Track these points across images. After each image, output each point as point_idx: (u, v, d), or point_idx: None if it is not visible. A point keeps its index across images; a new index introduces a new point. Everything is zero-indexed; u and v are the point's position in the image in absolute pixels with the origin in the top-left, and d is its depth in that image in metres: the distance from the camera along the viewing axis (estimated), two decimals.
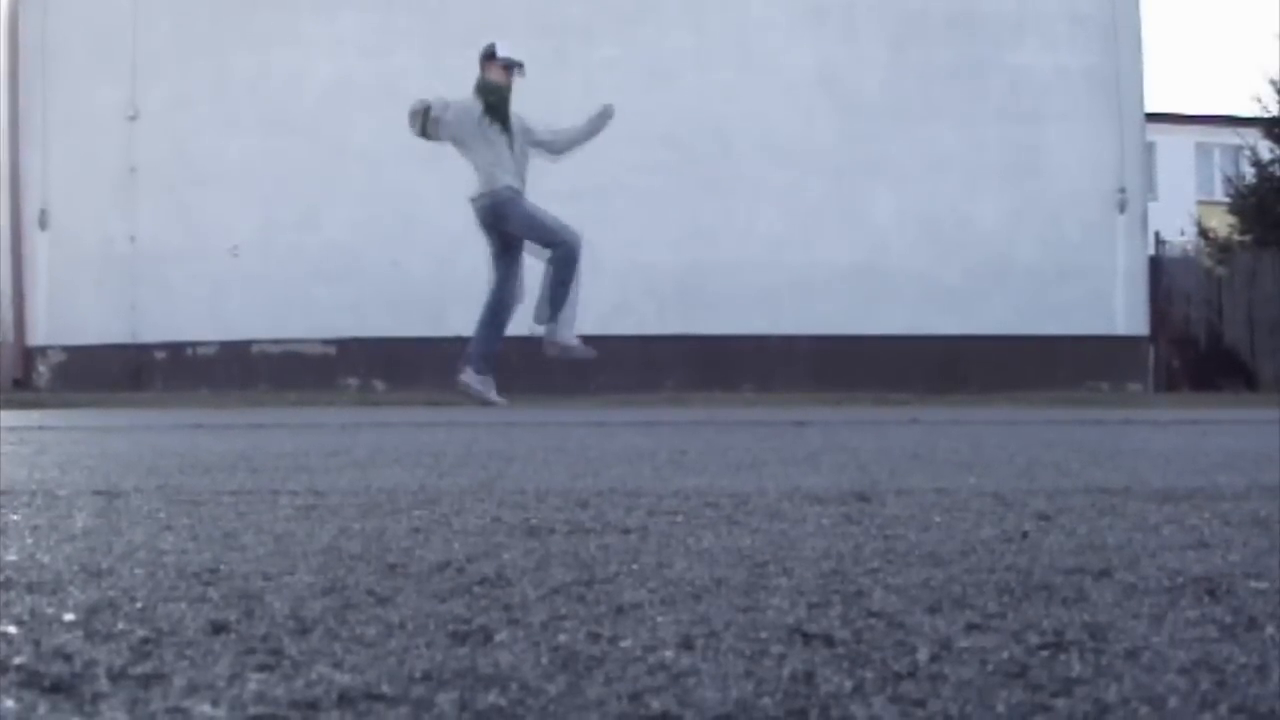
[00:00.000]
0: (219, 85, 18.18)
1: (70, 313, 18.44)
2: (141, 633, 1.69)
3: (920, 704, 1.36)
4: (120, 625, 1.74)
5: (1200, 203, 35.08)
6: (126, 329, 18.20)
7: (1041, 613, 1.85)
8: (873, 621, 1.78)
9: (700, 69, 18.08)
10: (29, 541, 2.58)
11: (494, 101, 12.27)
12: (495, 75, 12.40)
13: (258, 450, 5.67)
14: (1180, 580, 2.13)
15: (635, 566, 2.27)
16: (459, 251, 17.36)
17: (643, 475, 4.27)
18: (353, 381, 17.89)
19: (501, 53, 12.37)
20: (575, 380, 15.53)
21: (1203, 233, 27.41)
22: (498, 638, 1.67)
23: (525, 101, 12.92)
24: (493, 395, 12.29)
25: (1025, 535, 2.71)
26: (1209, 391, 18.52)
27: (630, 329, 16.67)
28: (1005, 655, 1.57)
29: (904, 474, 4.35)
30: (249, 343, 18.07)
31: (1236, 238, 25.87)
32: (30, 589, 2.02)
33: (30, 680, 1.43)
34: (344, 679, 1.45)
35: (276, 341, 18.05)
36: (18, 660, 1.52)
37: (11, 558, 2.35)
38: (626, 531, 2.77)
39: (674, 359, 17.61)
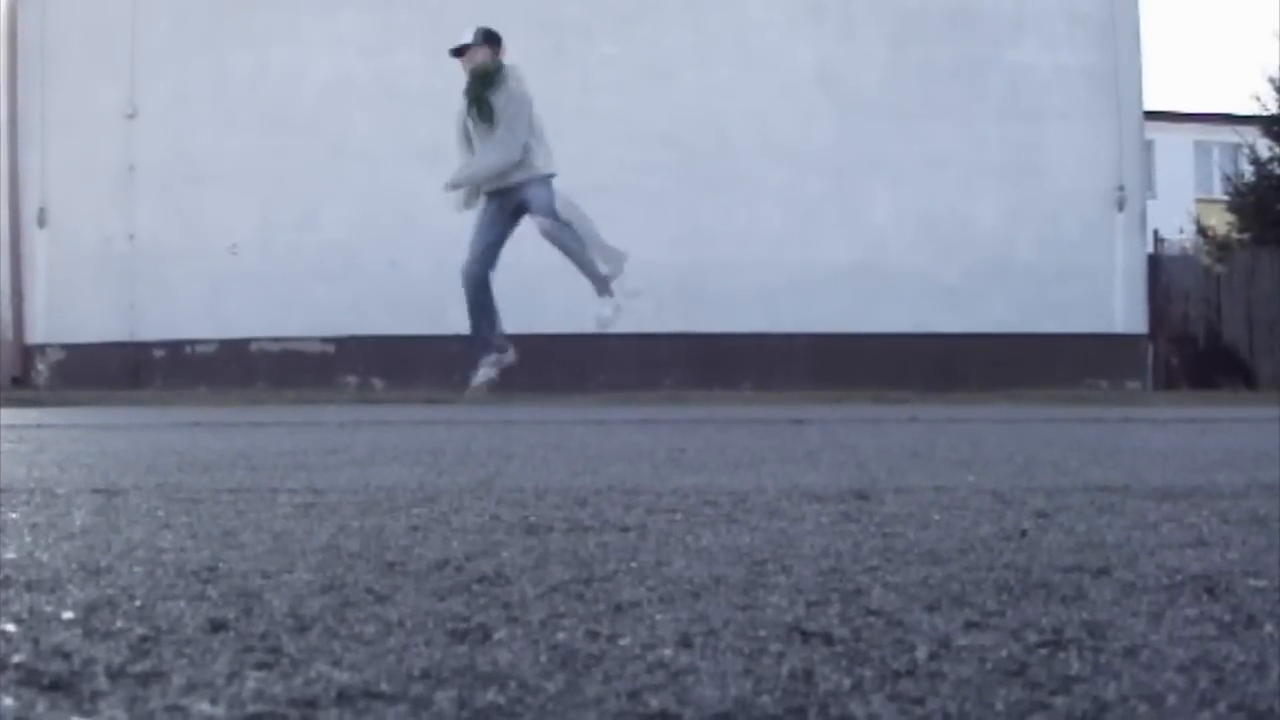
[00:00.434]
0: (218, 84, 18.17)
1: (69, 311, 18.43)
2: (140, 631, 1.69)
3: (919, 702, 1.36)
4: (119, 623, 1.74)
5: (1199, 201, 35.07)
6: (125, 327, 18.19)
7: (1040, 611, 1.85)
8: (871, 619, 1.78)
9: (699, 67, 18.07)
10: (28, 539, 2.58)
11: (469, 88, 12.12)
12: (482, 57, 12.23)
13: (256, 448, 5.67)
14: (1179, 578, 2.13)
15: (634, 564, 2.27)
16: (458, 250, 17.33)
17: (641, 473, 4.27)
18: (351, 380, 17.89)
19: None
20: (574, 378, 15.53)
21: (1201, 231, 27.41)
22: (496, 636, 1.67)
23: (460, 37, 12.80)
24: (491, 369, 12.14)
25: (1024, 533, 2.71)
26: (1208, 390, 18.52)
27: (629, 327, 16.65)
28: (1004, 653, 1.57)
29: (903, 472, 4.35)
30: (248, 341, 18.07)
31: (1235, 236, 25.87)
32: (29, 587, 2.02)
33: (29, 678, 1.43)
34: (343, 677, 1.45)
35: (275, 340, 18.05)
36: (16, 658, 1.52)
37: (10, 555, 2.35)
38: (625, 529, 2.77)
39: (673, 357, 17.61)
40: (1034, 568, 2.24)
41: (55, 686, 1.40)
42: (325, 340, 18.03)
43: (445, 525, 2.84)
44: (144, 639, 1.64)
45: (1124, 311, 18.57)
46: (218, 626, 1.72)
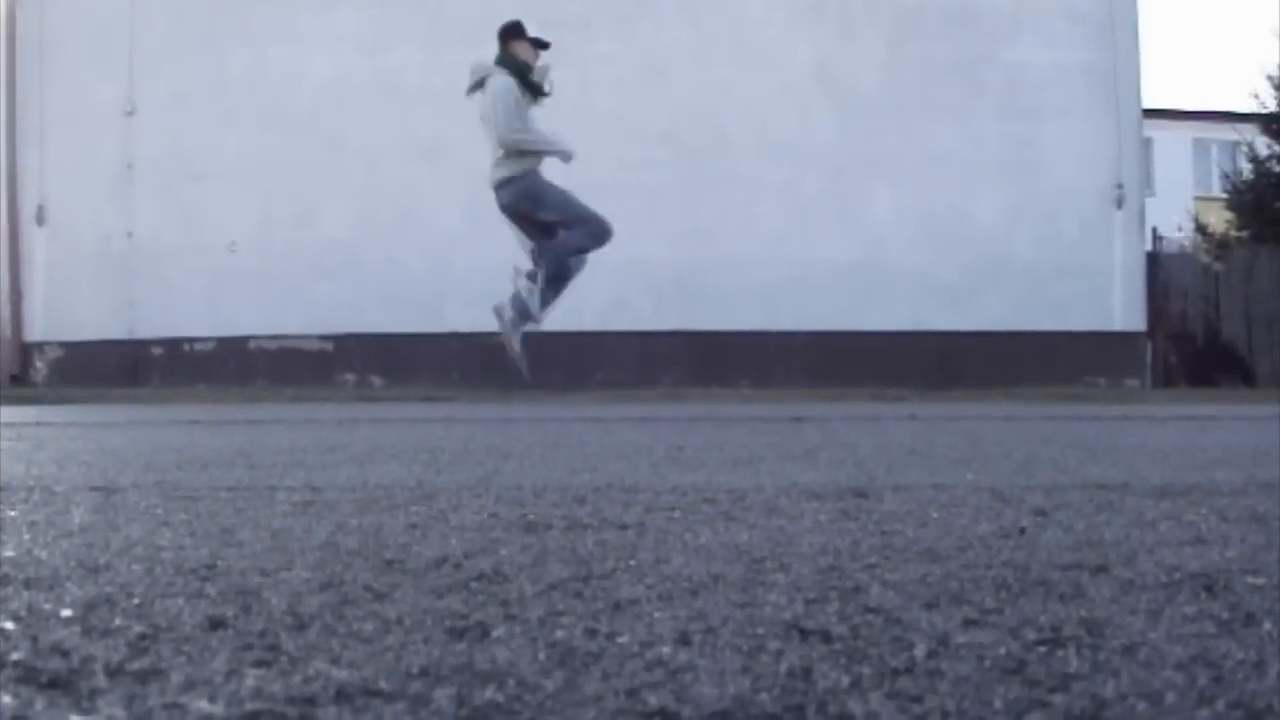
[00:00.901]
0: (216, 81, 18.18)
1: (68, 309, 18.44)
2: (139, 629, 1.69)
3: (918, 700, 1.36)
4: (117, 621, 1.74)
5: (1198, 199, 35.03)
6: (124, 325, 18.20)
7: (1039, 608, 1.84)
8: (870, 617, 1.78)
9: (698, 65, 18.08)
10: (26, 537, 2.58)
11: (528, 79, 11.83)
12: (524, 53, 11.95)
13: (255, 446, 5.67)
14: (1178, 576, 2.12)
15: (633, 562, 2.27)
16: (456, 248, 17.38)
17: (640, 471, 4.27)
18: (350, 377, 17.89)
19: (531, 31, 11.99)
20: (573, 376, 15.53)
21: (1200, 229, 27.40)
22: (495, 633, 1.67)
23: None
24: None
25: (1023, 531, 2.71)
26: (1206, 387, 18.53)
27: (628, 325, 16.69)
28: (1002, 651, 1.57)
29: (901, 470, 4.35)
30: (246, 338, 18.08)
31: (1234, 234, 25.86)
32: (28, 585, 2.02)
33: (28, 676, 1.43)
34: (341, 675, 1.45)
35: (274, 337, 18.06)
36: (15, 656, 1.52)
37: (9, 553, 2.35)
38: (624, 527, 2.77)
39: (672, 355, 17.63)
40: (1032, 565, 2.24)
41: (54, 684, 1.40)
42: (324, 338, 18.04)
43: (444, 523, 2.84)
44: (142, 637, 1.64)
45: (1122, 309, 18.59)
46: (216, 624, 1.72)
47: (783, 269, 17.86)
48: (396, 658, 1.53)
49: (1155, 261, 20.34)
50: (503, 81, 11.28)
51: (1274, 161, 26.01)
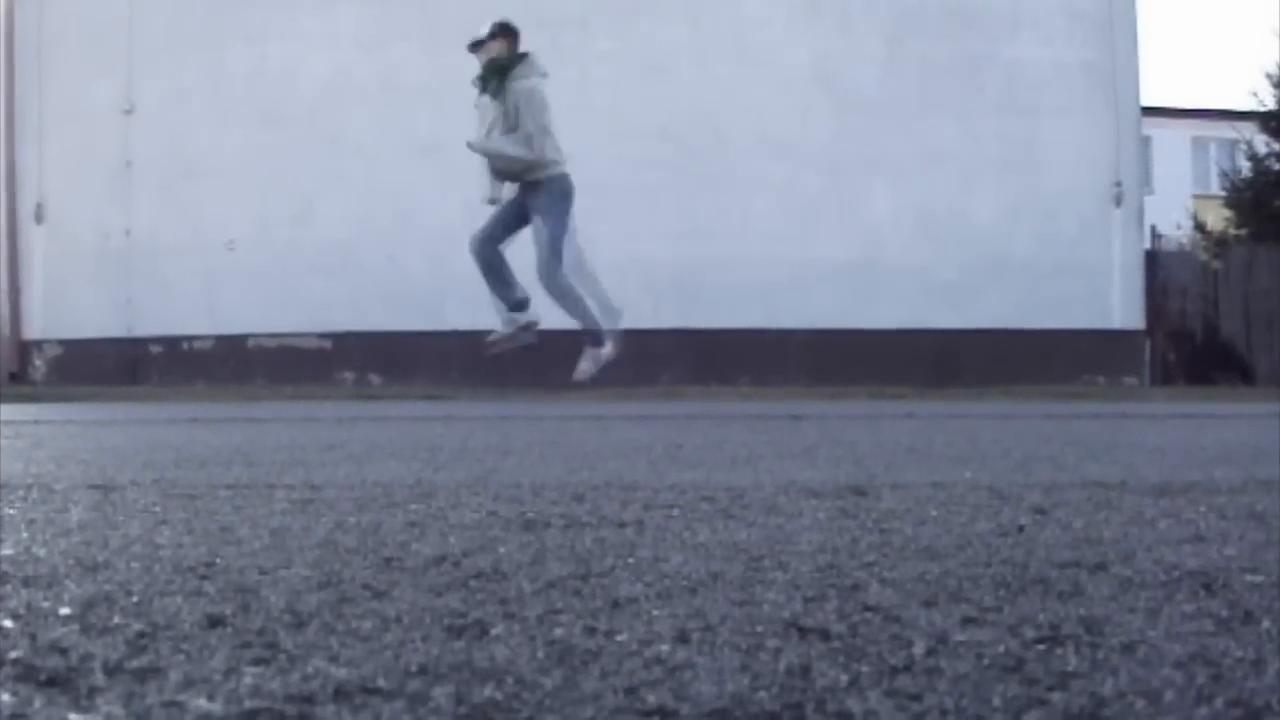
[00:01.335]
0: (215, 79, 18.17)
1: (66, 307, 18.44)
2: (137, 627, 1.69)
3: (916, 698, 1.36)
4: (116, 619, 1.74)
5: (1196, 197, 35.02)
6: (122, 323, 18.20)
7: (1038, 607, 1.85)
8: (869, 615, 1.78)
9: (696, 63, 18.08)
10: (25, 535, 2.58)
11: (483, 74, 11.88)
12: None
13: (254, 444, 5.67)
14: (1176, 574, 2.13)
15: (631, 560, 2.27)
16: (455, 246, 17.31)
17: (639, 469, 4.27)
18: (349, 375, 17.89)
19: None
20: (571, 374, 15.51)
21: (1199, 227, 27.42)
22: (494, 632, 1.67)
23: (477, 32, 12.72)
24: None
25: (1021, 529, 2.71)
26: (1205, 385, 18.53)
27: (626, 323, 16.64)
28: (1001, 649, 1.57)
29: (900, 468, 4.35)
30: (245, 337, 18.08)
31: (1232, 232, 25.87)
32: (26, 583, 2.02)
33: (26, 674, 1.43)
34: (340, 673, 1.45)
35: (272, 335, 18.06)
36: (14, 654, 1.52)
37: (7, 551, 2.35)
38: (622, 525, 2.77)
39: (670, 353, 17.62)
40: (1031, 563, 2.24)
41: (52, 682, 1.40)
42: (322, 336, 18.04)
43: (442, 521, 2.84)
44: (141, 635, 1.64)
45: (1121, 307, 18.59)
46: (215, 622, 1.72)
47: (781, 267, 17.86)
48: (395, 656, 1.53)
49: (1154, 260, 20.35)
50: (535, 85, 11.39)
51: (1273, 160, 26.02)
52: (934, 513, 3.01)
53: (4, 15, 18.82)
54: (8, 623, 1.70)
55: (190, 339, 18.25)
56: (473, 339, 16.86)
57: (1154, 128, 31.86)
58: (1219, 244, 25.21)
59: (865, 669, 1.48)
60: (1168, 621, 1.74)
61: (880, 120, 18.22)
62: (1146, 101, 20.21)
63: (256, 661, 1.50)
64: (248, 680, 1.42)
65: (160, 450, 5.26)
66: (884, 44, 18.42)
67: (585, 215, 13.00)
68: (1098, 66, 18.56)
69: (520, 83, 11.52)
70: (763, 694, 1.37)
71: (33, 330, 18.70)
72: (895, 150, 18.17)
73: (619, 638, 1.63)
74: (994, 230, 18.28)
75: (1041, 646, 1.59)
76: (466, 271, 16.78)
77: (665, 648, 1.58)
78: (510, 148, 11.49)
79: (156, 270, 18.14)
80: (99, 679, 1.42)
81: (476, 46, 11.96)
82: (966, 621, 1.74)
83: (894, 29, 18.45)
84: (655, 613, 1.80)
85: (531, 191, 11.63)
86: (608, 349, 11.68)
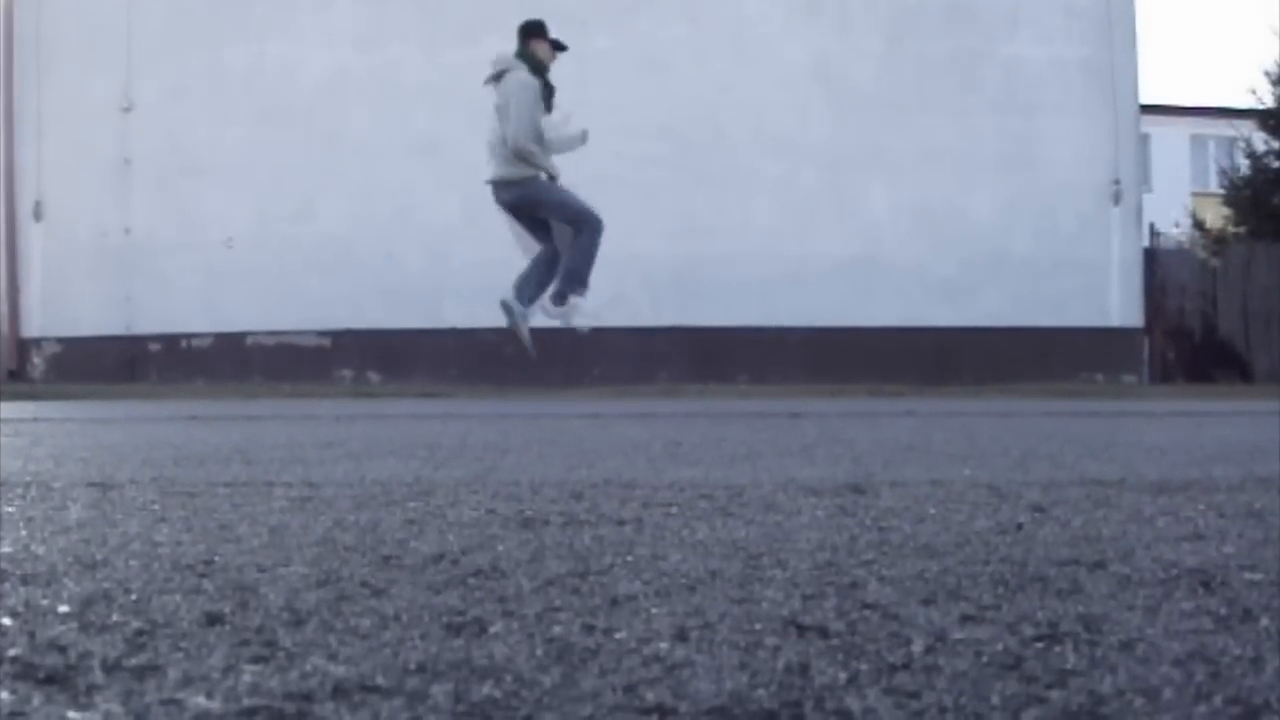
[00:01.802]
0: (213, 77, 18.17)
1: (65, 304, 18.43)
2: (136, 624, 1.68)
3: (915, 696, 1.36)
4: (115, 617, 1.74)
5: (1195, 195, 35.02)
6: (121, 321, 18.19)
7: (1036, 604, 1.85)
8: (867, 613, 1.78)
9: (695, 61, 18.08)
10: (24, 533, 2.58)
11: (545, 81, 11.74)
12: (543, 53, 11.85)
13: (252, 442, 5.67)
14: (1175, 572, 2.13)
15: (630, 558, 2.27)
16: (454, 244, 17.37)
17: (637, 467, 4.27)
18: (347, 373, 17.89)
19: (552, 34, 11.90)
20: (571, 371, 15.54)
21: (1197, 225, 27.41)
22: (492, 629, 1.67)
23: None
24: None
25: (1020, 527, 2.71)
26: (1204, 383, 18.53)
27: (625, 320, 16.66)
28: (1000, 647, 1.57)
29: (898, 466, 4.35)
30: (244, 334, 18.08)
31: (1231, 229, 25.86)
32: (25, 581, 2.02)
33: (25, 672, 1.43)
34: (338, 671, 1.45)
35: (271, 333, 18.06)
36: (12, 652, 1.52)
37: (6, 549, 2.35)
38: (621, 523, 2.77)
39: (669, 350, 17.62)
40: (1030, 561, 2.24)
41: (51, 680, 1.40)
42: (321, 334, 18.04)
43: (441, 519, 2.84)
44: (140, 633, 1.64)
45: (1120, 305, 18.59)
46: (214, 620, 1.72)
47: (780, 264, 17.86)
48: (394, 653, 1.53)
49: (1153, 257, 20.35)
50: (524, 78, 11.23)
51: (1271, 157, 26.01)
52: (933, 510, 3.01)
53: (3, 13, 18.81)
54: (6, 620, 1.70)
55: (189, 337, 18.25)
56: (471, 336, 16.92)
57: (1153, 125, 31.87)
58: (1217, 242, 25.20)
59: (864, 667, 1.48)
60: (1166, 619, 1.74)
61: (879, 117, 18.22)
62: (1145, 99, 20.21)
63: (255, 659, 1.50)
64: (246, 678, 1.42)
65: (159, 448, 5.26)
66: (883, 41, 18.42)
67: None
68: (1096, 64, 18.56)
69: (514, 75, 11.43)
70: (761, 692, 1.37)
71: (32, 328, 18.70)
72: (894, 147, 18.16)
73: (618, 635, 1.63)
74: (993, 228, 18.28)
75: (1040, 644, 1.59)
76: (464, 269, 16.86)
77: (664, 645, 1.58)
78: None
79: (155, 268, 18.14)
80: (98, 677, 1.42)
81: (537, 37, 11.57)
82: (965, 619, 1.74)
83: (892, 26, 18.44)
84: (654, 610, 1.80)
85: (528, 195, 11.56)
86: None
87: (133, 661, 1.49)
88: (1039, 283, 18.16)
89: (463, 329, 17.10)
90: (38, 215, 18.59)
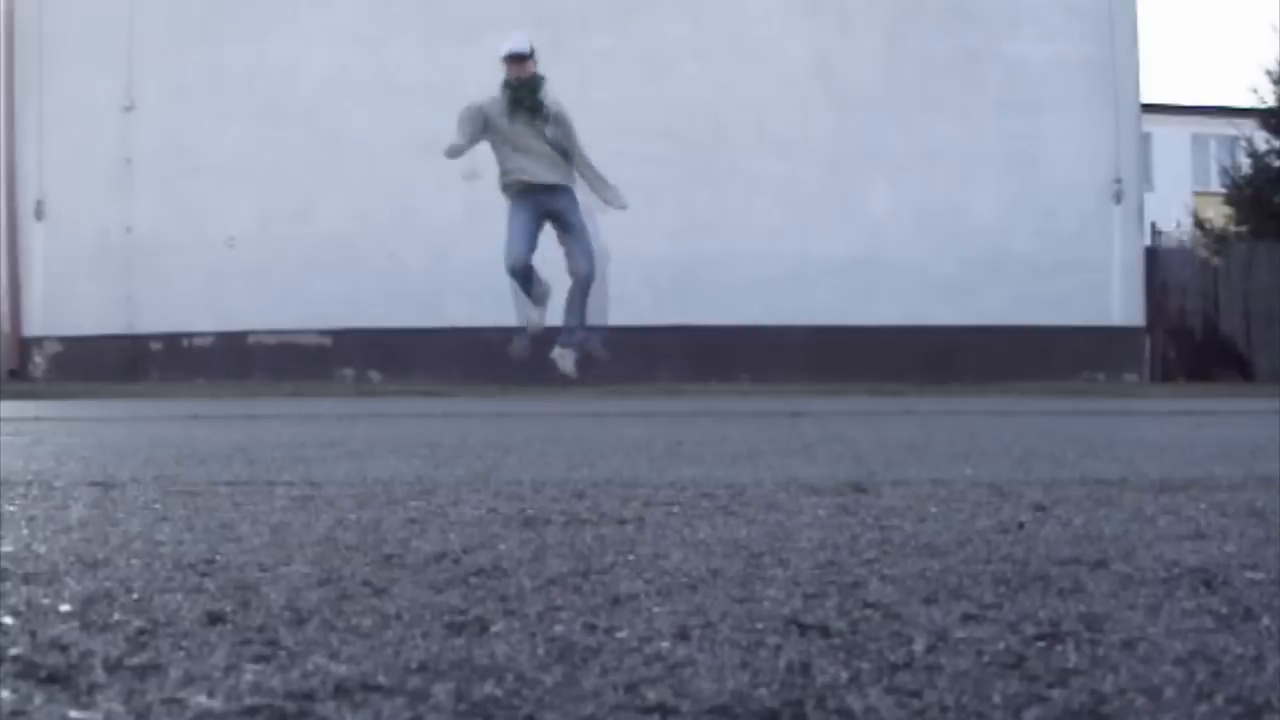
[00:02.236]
0: (215, 76, 18.17)
1: (66, 304, 18.44)
2: (138, 623, 1.69)
3: (916, 695, 1.36)
4: (116, 616, 1.74)
5: (1196, 194, 35.01)
6: (122, 320, 18.20)
7: (1038, 603, 1.85)
8: (869, 612, 1.78)
9: (696, 60, 18.07)
10: (25, 532, 2.58)
11: (516, 96, 12.07)
12: (509, 75, 12.17)
13: (254, 441, 5.67)
14: (1176, 571, 2.13)
15: (631, 557, 2.27)
16: (456, 243, 17.37)
17: (639, 466, 4.27)
18: (349, 372, 17.90)
19: (502, 50, 12.18)
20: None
21: (1199, 224, 27.41)
22: (494, 629, 1.67)
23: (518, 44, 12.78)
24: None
25: (1022, 526, 2.71)
26: (1205, 382, 18.53)
27: (626, 319, 16.66)
28: (1001, 646, 1.57)
29: (900, 465, 4.35)
30: (245, 333, 18.08)
31: (1232, 229, 25.87)
32: (26, 580, 2.02)
33: (26, 671, 1.43)
34: (340, 670, 1.45)
35: (273, 332, 18.06)
36: (14, 651, 1.52)
37: (8, 548, 2.35)
38: (623, 522, 2.77)
39: (670, 349, 17.62)
40: (1031, 560, 2.24)
41: (53, 679, 1.40)
42: (322, 333, 18.04)
43: (443, 518, 2.84)
44: (141, 632, 1.64)
45: (1121, 304, 18.59)
46: (215, 619, 1.72)
47: (781, 264, 17.86)
48: (395, 653, 1.53)
49: (1154, 256, 20.34)
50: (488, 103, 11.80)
51: (1273, 156, 26.02)
52: (934, 510, 3.01)
53: (4, 12, 18.82)
54: (8, 619, 1.71)
55: (190, 336, 18.26)
56: (472, 336, 16.92)
57: (1154, 124, 31.86)
58: (1219, 241, 25.21)
59: (865, 666, 1.48)
60: (1168, 618, 1.75)
61: (880, 116, 18.22)
62: (1146, 98, 20.22)
63: (257, 658, 1.50)
64: (248, 677, 1.42)
65: (160, 447, 5.27)
66: (884, 40, 18.42)
67: (585, 212, 13.03)
68: (1098, 63, 18.55)
69: (556, 103, 11.91)
70: (763, 691, 1.37)
71: (33, 327, 18.71)
72: (895, 146, 18.16)
73: (619, 635, 1.63)
74: (994, 227, 18.27)
75: (1042, 643, 1.59)
76: (466, 268, 16.86)
77: (665, 645, 1.58)
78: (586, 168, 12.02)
79: (156, 267, 18.14)
80: (99, 676, 1.42)
81: (519, 60, 12.07)
82: (967, 618, 1.74)
83: (894, 25, 18.44)
84: (655, 610, 1.80)
85: (560, 200, 11.95)
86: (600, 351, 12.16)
87: (134, 660, 1.49)
88: (1040, 282, 18.16)
89: (464, 328, 17.10)
90: (39, 214, 18.60)
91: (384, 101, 17.95)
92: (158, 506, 3.06)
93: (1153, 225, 21.19)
